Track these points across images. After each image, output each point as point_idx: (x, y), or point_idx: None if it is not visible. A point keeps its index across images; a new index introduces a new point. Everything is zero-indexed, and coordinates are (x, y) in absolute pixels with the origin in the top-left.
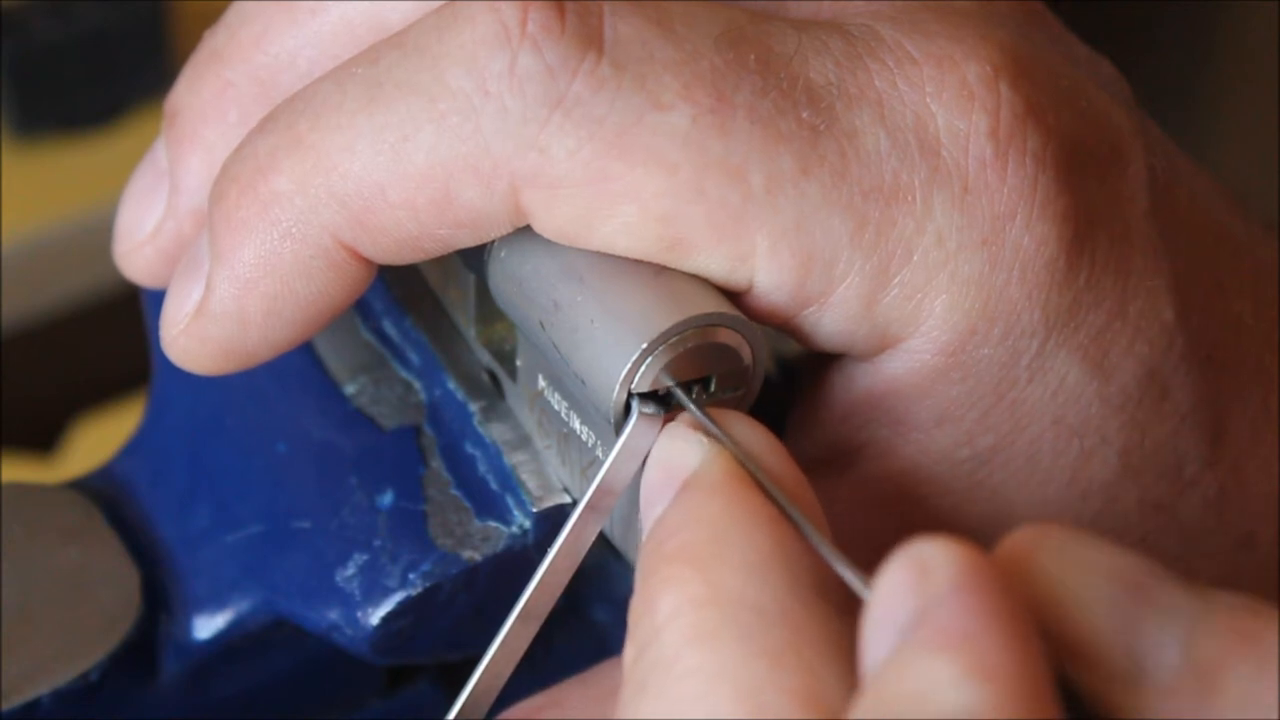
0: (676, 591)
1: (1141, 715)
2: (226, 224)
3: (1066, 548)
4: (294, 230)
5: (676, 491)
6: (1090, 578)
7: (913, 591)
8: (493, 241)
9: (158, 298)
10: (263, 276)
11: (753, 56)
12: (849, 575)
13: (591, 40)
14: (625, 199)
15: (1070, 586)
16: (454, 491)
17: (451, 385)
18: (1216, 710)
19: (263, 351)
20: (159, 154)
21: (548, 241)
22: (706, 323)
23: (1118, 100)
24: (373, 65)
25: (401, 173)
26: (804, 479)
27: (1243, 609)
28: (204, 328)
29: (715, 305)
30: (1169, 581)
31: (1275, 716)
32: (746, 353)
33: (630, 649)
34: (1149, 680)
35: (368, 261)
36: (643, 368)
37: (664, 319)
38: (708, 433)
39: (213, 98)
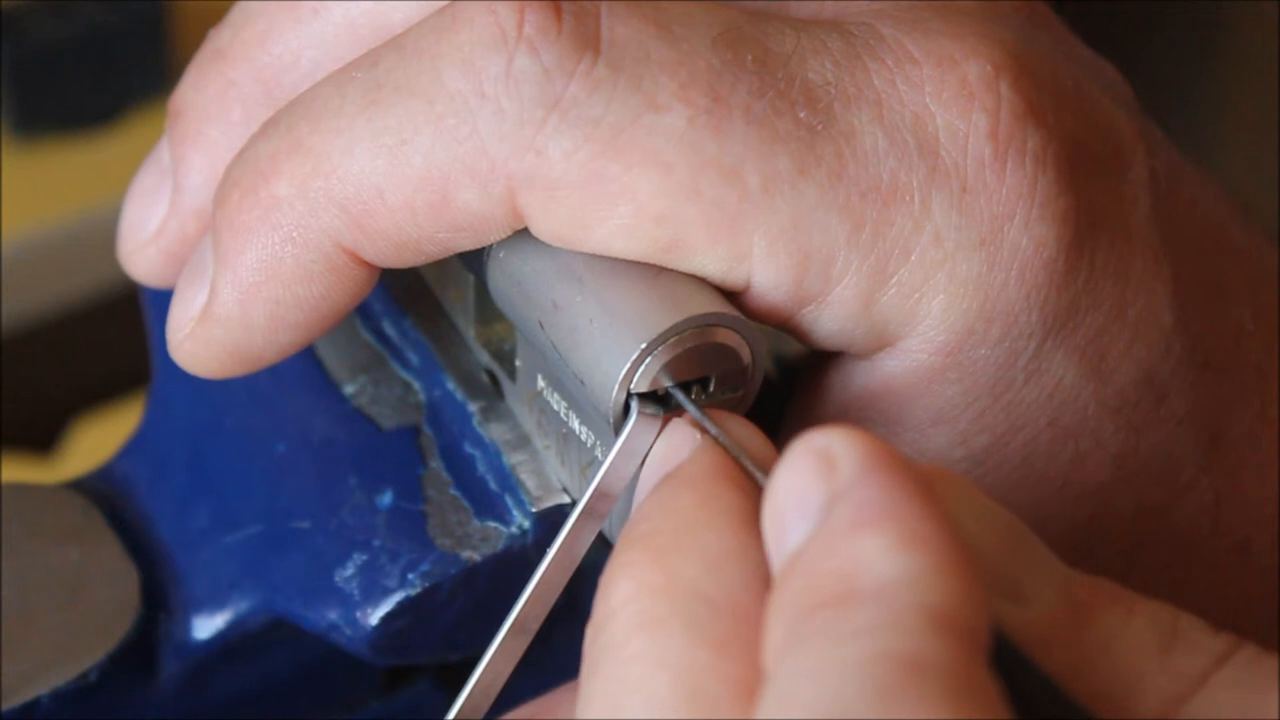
0: (633, 577)
1: (1021, 630)
2: (229, 228)
3: (955, 485)
4: (295, 234)
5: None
6: (982, 512)
7: (820, 478)
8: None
9: (157, 297)
10: (265, 281)
11: (750, 57)
12: None
13: (588, 42)
14: (621, 200)
15: (964, 513)
16: (453, 491)
17: (451, 385)
18: (1089, 639)
19: (268, 355)
20: (162, 153)
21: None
22: (705, 323)
23: (1120, 103)
24: (372, 68)
25: (399, 175)
26: None
27: (1105, 580)
28: (208, 332)
29: (714, 305)
30: (1041, 542)
31: (1140, 654)
32: (746, 353)
33: (589, 629)
34: (1029, 605)
35: (369, 265)
36: (642, 368)
37: (663, 319)
38: (703, 429)
39: (216, 97)
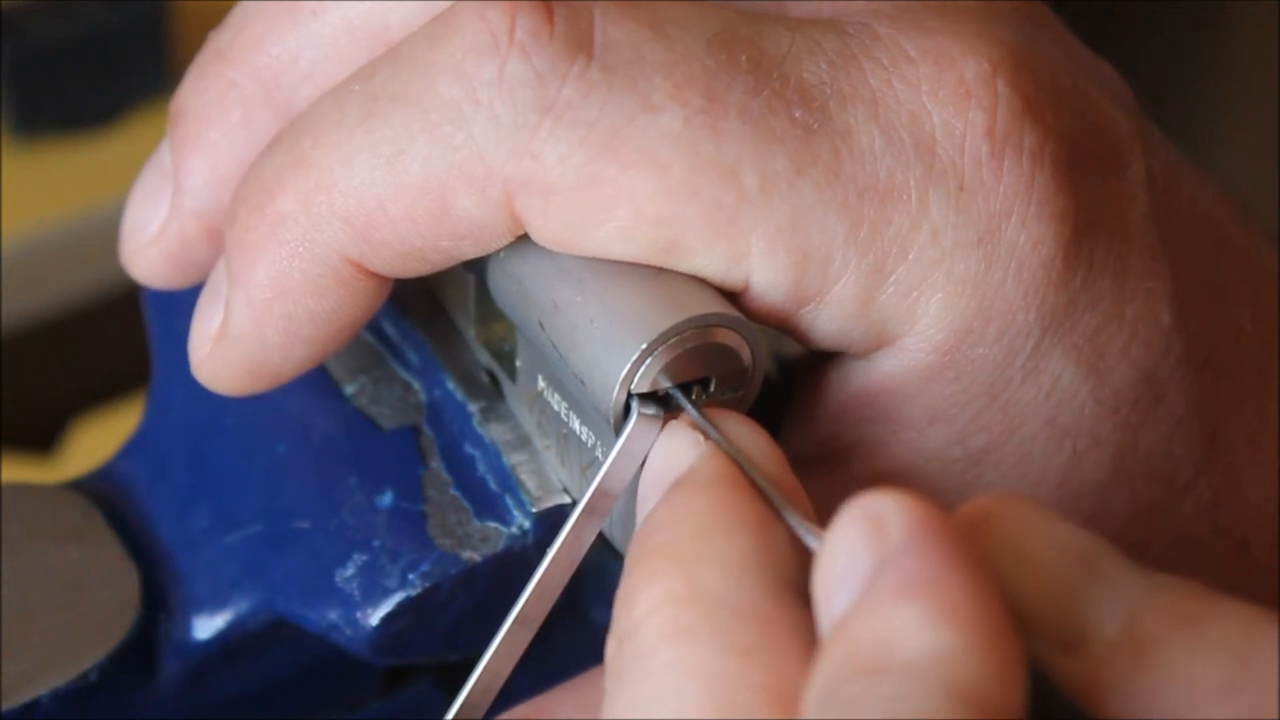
0: (656, 587)
1: (1077, 680)
2: (239, 246)
3: (1021, 517)
4: (301, 249)
5: (667, 489)
6: (1041, 547)
7: (870, 543)
8: None
9: (158, 297)
10: (276, 297)
11: (745, 57)
12: None
13: (581, 44)
14: (619, 202)
15: (1020, 553)
16: (453, 492)
17: (451, 385)
18: (1146, 682)
19: (286, 370)
20: (164, 155)
21: None
22: (705, 323)
23: (1118, 102)
24: (369, 80)
25: (399, 185)
26: (796, 480)
27: (1188, 593)
28: (226, 351)
29: (714, 306)
30: (1119, 560)
31: (1202, 694)
32: (746, 353)
33: (612, 641)
34: (1087, 648)
35: (378, 276)
36: (642, 368)
37: (663, 319)
38: (704, 433)
39: (216, 98)
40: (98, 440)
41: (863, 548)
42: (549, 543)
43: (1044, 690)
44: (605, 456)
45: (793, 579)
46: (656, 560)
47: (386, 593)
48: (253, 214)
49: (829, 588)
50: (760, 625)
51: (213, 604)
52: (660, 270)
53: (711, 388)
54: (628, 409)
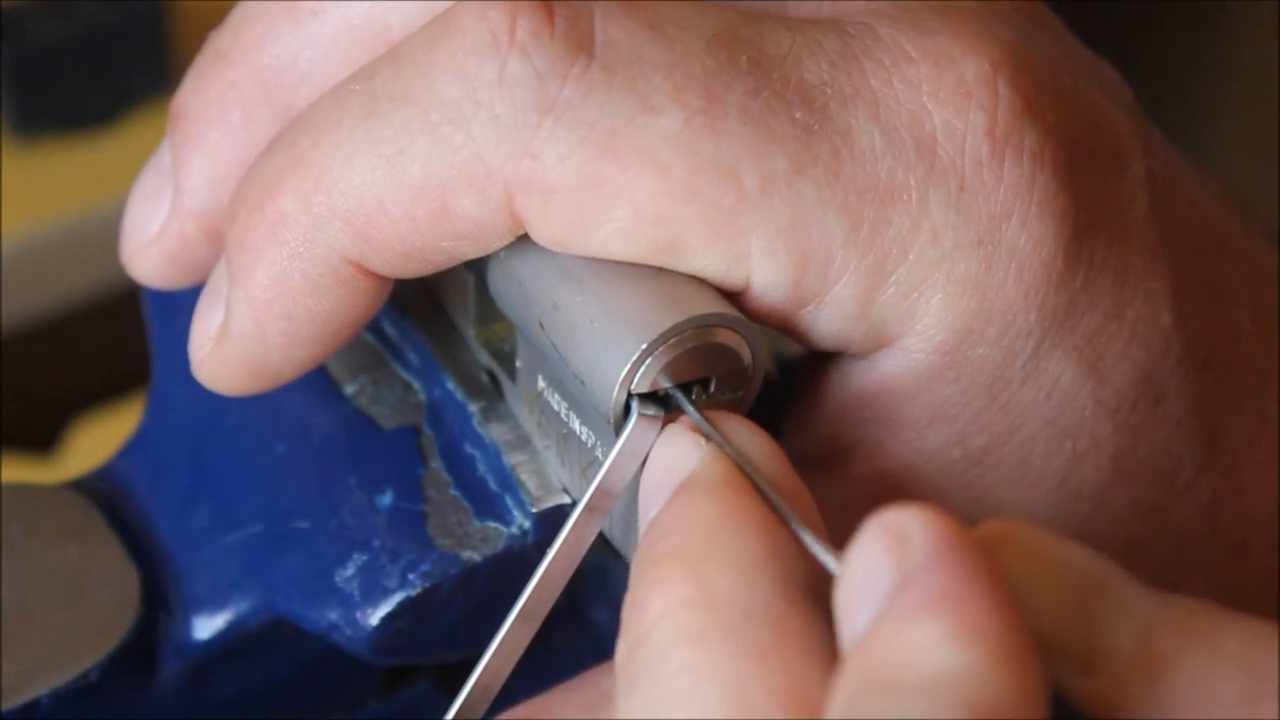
0: (667, 591)
1: (1094, 698)
2: (239, 246)
3: (1030, 540)
4: (301, 249)
5: (672, 493)
6: (1051, 570)
7: (892, 559)
8: None
9: (158, 297)
10: (276, 297)
11: (745, 58)
12: None
13: (581, 45)
14: (619, 202)
15: (1032, 575)
16: (453, 492)
17: (451, 385)
18: (1164, 697)
19: (287, 370)
20: (164, 156)
21: None
22: (706, 323)
23: (1118, 102)
24: (369, 80)
25: (399, 185)
26: (800, 482)
27: (1196, 609)
28: (226, 350)
29: (715, 306)
30: (1125, 578)
31: (1222, 706)
32: (746, 353)
33: (622, 647)
34: (1102, 667)
35: (378, 276)
36: (642, 368)
37: (663, 319)
38: (705, 435)
39: (216, 98)
40: (98, 440)
41: (885, 562)
42: (549, 543)
43: (1064, 710)
44: (605, 456)
45: (803, 580)
46: (666, 565)
47: (386, 593)
48: (253, 214)
49: (851, 602)
50: (773, 627)
51: (213, 604)
52: (660, 270)
53: (711, 388)
54: (628, 409)
